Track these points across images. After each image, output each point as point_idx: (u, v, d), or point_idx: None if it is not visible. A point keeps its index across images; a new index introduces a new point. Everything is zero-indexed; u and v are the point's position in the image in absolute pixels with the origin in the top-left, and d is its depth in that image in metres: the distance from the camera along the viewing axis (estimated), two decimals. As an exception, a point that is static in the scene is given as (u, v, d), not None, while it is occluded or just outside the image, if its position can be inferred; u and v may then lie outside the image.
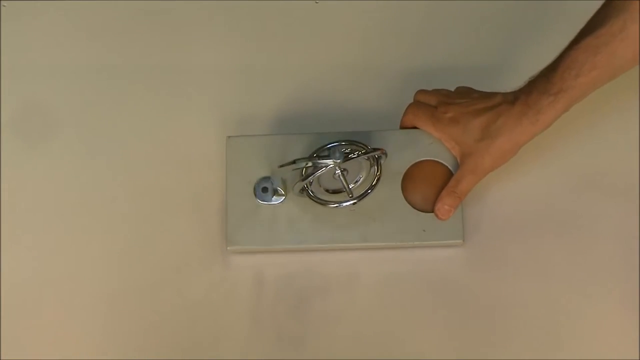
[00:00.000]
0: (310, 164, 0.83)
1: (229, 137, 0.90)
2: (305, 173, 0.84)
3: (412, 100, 0.90)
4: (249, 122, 0.96)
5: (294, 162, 0.83)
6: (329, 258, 0.88)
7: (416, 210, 0.86)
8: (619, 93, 0.93)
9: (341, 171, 0.83)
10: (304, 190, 0.84)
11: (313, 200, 0.85)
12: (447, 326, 0.85)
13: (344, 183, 0.84)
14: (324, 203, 0.85)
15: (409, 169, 0.87)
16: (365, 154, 0.83)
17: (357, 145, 0.85)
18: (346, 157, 0.82)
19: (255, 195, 0.87)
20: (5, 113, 0.98)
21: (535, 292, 0.85)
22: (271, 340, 0.84)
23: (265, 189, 0.87)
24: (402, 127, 0.89)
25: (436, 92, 0.88)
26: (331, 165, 0.81)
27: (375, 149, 0.83)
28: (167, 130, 0.97)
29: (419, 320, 0.85)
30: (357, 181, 0.86)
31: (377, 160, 0.84)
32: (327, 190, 0.87)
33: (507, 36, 1.01)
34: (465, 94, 0.86)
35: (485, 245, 0.87)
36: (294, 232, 0.86)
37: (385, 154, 0.84)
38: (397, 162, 0.87)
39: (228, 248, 0.86)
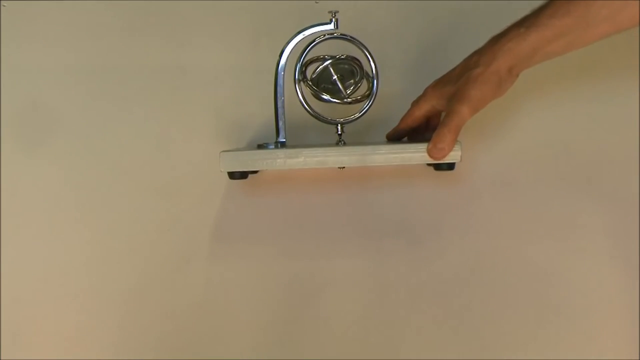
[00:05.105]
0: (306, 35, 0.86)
1: (222, 152, 0.89)
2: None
3: (411, 100, 0.92)
4: (249, 121, 0.96)
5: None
6: (327, 258, 0.88)
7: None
8: (619, 91, 0.93)
9: (337, 76, 0.88)
10: (303, 79, 0.88)
11: (308, 87, 0.88)
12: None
13: (339, 85, 0.88)
14: (317, 93, 0.89)
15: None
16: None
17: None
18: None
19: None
20: (5, 113, 0.98)
21: (535, 293, 0.85)
22: (270, 340, 0.84)
23: (261, 146, 0.90)
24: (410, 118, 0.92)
25: None
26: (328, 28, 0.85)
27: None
28: (167, 130, 0.97)
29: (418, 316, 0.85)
30: (351, 86, 0.90)
31: (372, 80, 0.89)
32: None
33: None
34: None
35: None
36: (291, 148, 0.88)
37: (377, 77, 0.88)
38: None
39: (220, 152, 0.85)
